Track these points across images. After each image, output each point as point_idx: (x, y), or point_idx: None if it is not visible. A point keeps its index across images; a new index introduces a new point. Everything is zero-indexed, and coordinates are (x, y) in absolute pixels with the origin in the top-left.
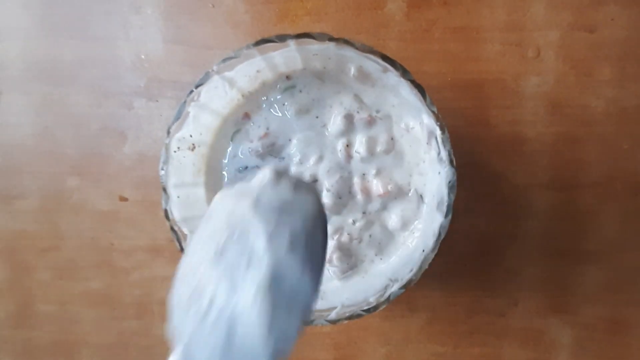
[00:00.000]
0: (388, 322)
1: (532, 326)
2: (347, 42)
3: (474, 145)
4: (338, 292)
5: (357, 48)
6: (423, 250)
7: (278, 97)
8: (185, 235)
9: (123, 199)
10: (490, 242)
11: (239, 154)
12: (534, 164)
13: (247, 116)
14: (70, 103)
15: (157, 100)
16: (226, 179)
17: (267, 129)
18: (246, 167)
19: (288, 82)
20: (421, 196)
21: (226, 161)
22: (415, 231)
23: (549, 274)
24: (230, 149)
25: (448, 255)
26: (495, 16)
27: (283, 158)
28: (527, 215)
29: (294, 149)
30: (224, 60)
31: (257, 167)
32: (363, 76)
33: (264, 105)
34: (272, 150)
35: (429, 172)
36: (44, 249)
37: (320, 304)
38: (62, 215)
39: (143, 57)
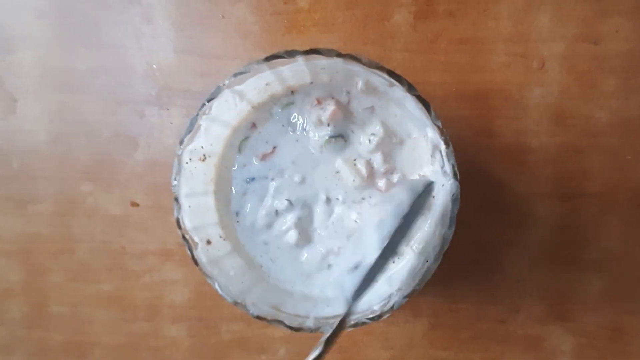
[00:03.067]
0: (392, 327)
1: (533, 333)
2: (354, 58)
3: (478, 154)
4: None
5: (363, 64)
6: (427, 261)
7: (279, 110)
8: (196, 244)
9: (134, 204)
10: (492, 250)
11: (248, 163)
12: (537, 174)
13: (254, 126)
14: (84, 110)
15: (168, 109)
16: (234, 191)
17: (273, 142)
18: (253, 179)
19: (289, 98)
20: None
21: (235, 168)
22: (418, 242)
23: (551, 281)
24: (239, 157)
25: (451, 263)
26: (501, 28)
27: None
28: (529, 223)
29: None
30: (235, 75)
31: (266, 178)
32: (370, 90)
33: (271, 116)
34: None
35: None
36: (58, 252)
37: (325, 311)
38: (76, 220)
39: (154, 66)
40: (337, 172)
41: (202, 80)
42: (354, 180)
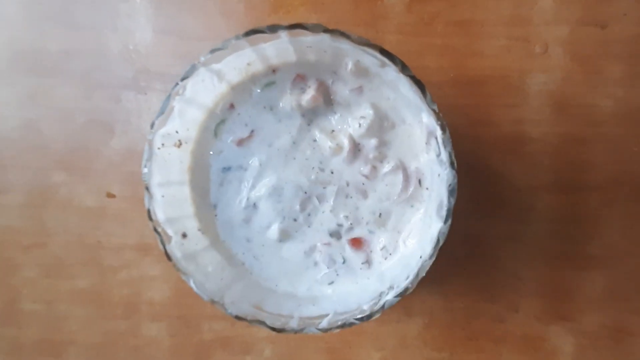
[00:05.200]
0: (383, 327)
1: (533, 333)
2: (342, 34)
3: (475, 144)
4: (329, 298)
5: (353, 40)
6: (420, 257)
7: (258, 91)
8: (169, 238)
9: (111, 195)
10: (490, 246)
11: (224, 149)
12: (537, 165)
13: (232, 107)
14: (56, 95)
15: (145, 93)
16: (211, 181)
17: (253, 125)
18: (229, 168)
19: (269, 78)
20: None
21: (212, 154)
22: (411, 236)
23: (551, 279)
24: (215, 142)
25: (446, 259)
26: (501, 9)
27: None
28: (529, 218)
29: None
30: (212, 51)
31: (241, 167)
32: (360, 71)
33: (251, 97)
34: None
35: (427, 173)
36: (30, 245)
37: (311, 311)
38: (48, 212)
39: (131, 47)
40: (314, 140)
41: (182, 62)
42: (329, 147)
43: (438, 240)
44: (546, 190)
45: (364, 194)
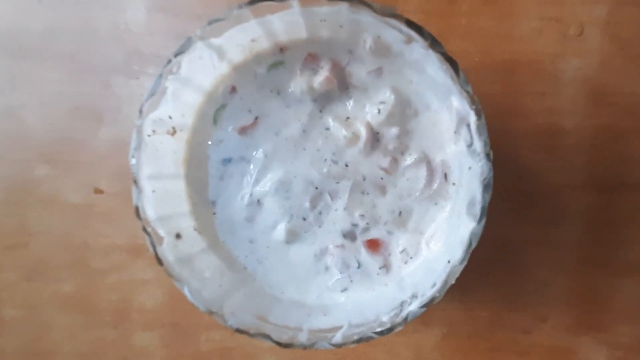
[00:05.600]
0: (398, 337)
1: (562, 345)
2: (363, 3)
3: (503, 137)
4: (343, 307)
5: (375, 11)
6: (449, 261)
7: (263, 72)
8: (161, 239)
9: (98, 191)
10: (516, 249)
11: (225, 138)
12: (570, 161)
13: (234, 90)
14: (39, 80)
15: (137, 78)
16: (210, 174)
17: (257, 111)
18: (229, 160)
19: (277, 57)
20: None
21: (210, 145)
22: (435, 238)
23: (583, 286)
24: (214, 130)
25: (468, 263)
26: None
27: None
28: (560, 219)
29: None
30: (210, 22)
31: (243, 159)
32: (381, 49)
33: (255, 79)
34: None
35: (455, 167)
36: (9, 246)
37: (322, 322)
38: (30, 209)
39: (122, 27)
40: (327, 128)
41: (177, 43)
42: (344, 136)
43: (470, 243)
44: (580, 188)
45: (382, 190)
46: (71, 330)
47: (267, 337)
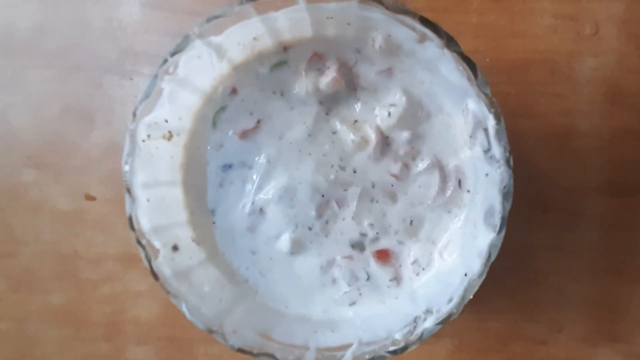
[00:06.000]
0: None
1: (578, 356)
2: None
3: (517, 139)
4: (351, 323)
5: (387, 7)
6: (465, 274)
7: (266, 72)
8: (156, 251)
9: (90, 197)
10: (531, 256)
11: (225, 142)
12: (586, 164)
13: (234, 92)
14: (27, 79)
15: (131, 78)
16: (209, 180)
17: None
18: (230, 166)
19: (280, 56)
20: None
21: (209, 150)
22: (449, 248)
23: (600, 295)
24: (213, 134)
25: None
26: None
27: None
28: (576, 224)
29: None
30: (209, 19)
31: (245, 165)
32: (391, 48)
33: (257, 80)
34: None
35: (470, 173)
36: None
37: (329, 339)
38: (17, 216)
39: (115, 24)
40: (334, 132)
41: (173, 42)
42: (352, 140)
43: (489, 255)
44: (597, 192)
45: (393, 198)
46: (61, 345)
47: (272, 356)
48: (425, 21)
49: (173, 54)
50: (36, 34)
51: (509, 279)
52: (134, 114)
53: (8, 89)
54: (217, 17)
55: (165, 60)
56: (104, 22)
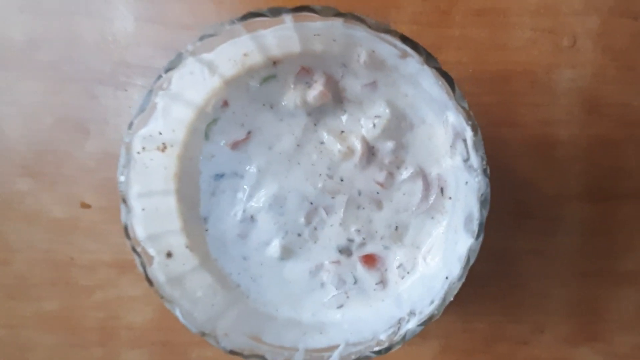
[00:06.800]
0: (395, 351)
1: (560, 356)
2: (357, 19)
3: (498, 148)
4: (339, 325)
5: (369, 26)
6: (447, 278)
7: (256, 86)
8: (151, 258)
9: (84, 205)
10: (513, 261)
11: (217, 153)
12: (566, 171)
13: (226, 104)
14: (21, 90)
15: (125, 89)
16: (201, 190)
17: (250, 125)
18: (222, 175)
19: (270, 70)
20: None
21: (202, 159)
22: (432, 252)
23: (580, 297)
24: (205, 145)
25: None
26: None
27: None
28: (556, 229)
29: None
30: (202, 38)
31: (236, 174)
32: (375, 63)
33: (247, 93)
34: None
35: (451, 181)
36: None
37: (318, 341)
38: (11, 224)
39: (109, 37)
40: (321, 142)
41: (166, 54)
42: (339, 150)
43: (468, 259)
44: (576, 198)
45: (378, 205)
46: (56, 350)
47: (262, 358)
48: (405, 39)
49: (167, 71)
50: (30, 46)
51: (493, 282)
52: (130, 127)
53: (2, 100)
54: (209, 35)
55: (160, 77)
56: (97, 36)
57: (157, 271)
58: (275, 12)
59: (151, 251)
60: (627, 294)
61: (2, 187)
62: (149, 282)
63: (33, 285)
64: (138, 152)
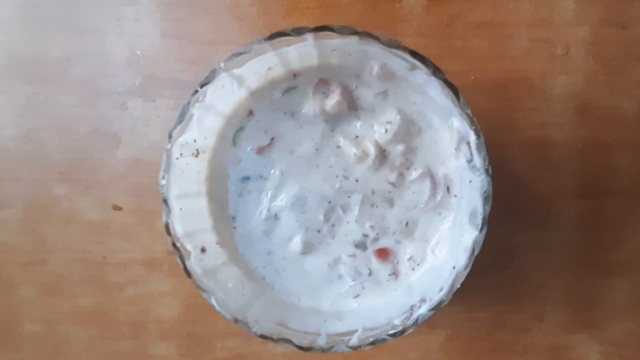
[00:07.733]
0: (404, 339)
1: (559, 342)
2: (371, 36)
3: (498, 149)
4: (356, 313)
5: (382, 43)
6: (454, 267)
7: (278, 96)
8: (188, 253)
9: (116, 207)
10: (513, 254)
11: (243, 158)
12: (561, 170)
13: (251, 114)
14: (57, 103)
15: (153, 100)
16: (229, 191)
17: (273, 132)
18: (248, 177)
19: (290, 82)
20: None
21: (231, 163)
22: (440, 246)
23: (577, 287)
24: (233, 151)
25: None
26: (522, 11)
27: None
28: (553, 224)
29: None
30: (233, 55)
31: (261, 177)
32: (386, 75)
33: (271, 103)
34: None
35: (456, 180)
36: (29, 263)
37: (337, 327)
38: (49, 226)
39: (138, 52)
40: (338, 146)
41: (191, 68)
42: (354, 154)
43: (473, 250)
44: (570, 196)
45: (390, 203)
46: (90, 343)
47: (289, 341)
48: (415, 54)
49: (202, 85)
50: (65, 63)
51: (495, 274)
52: (170, 136)
53: (40, 112)
54: (240, 53)
55: (196, 91)
56: (127, 52)
57: (194, 264)
58: (299, 31)
59: (188, 246)
60: (620, 283)
61: (40, 192)
62: (188, 274)
63: (69, 283)
64: (177, 158)
